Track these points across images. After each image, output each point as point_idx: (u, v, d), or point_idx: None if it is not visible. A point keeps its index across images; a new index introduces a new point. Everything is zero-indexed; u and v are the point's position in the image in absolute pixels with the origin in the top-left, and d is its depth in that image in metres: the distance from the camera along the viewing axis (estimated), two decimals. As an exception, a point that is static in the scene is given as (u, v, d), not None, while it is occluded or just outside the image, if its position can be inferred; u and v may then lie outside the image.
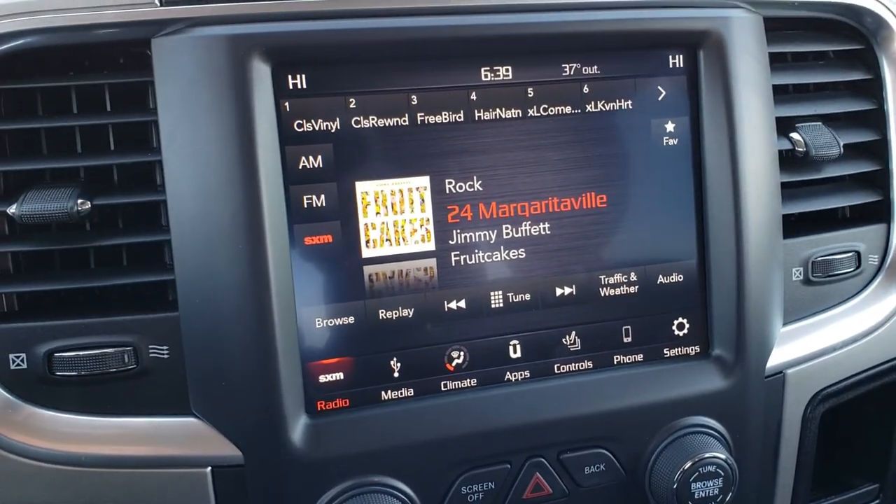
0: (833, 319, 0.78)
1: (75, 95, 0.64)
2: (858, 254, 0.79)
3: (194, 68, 0.60)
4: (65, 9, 0.60)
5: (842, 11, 0.78)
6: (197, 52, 0.60)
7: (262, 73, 0.60)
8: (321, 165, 0.63)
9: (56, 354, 0.61)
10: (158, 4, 0.61)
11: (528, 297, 0.68)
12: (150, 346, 0.62)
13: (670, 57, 0.69)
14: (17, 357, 0.61)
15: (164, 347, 0.63)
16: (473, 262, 0.66)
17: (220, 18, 0.61)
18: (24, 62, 0.63)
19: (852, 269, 0.79)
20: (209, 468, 0.63)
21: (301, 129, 0.62)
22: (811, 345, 0.77)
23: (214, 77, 0.59)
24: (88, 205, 0.61)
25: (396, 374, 0.66)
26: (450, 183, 0.65)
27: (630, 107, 0.69)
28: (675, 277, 0.71)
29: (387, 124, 0.64)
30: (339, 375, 0.64)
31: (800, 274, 0.77)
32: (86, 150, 0.64)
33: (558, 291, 0.68)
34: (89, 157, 0.64)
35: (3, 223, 0.64)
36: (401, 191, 0.64)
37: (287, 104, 0.61)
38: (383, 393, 0.65)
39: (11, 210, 0.60)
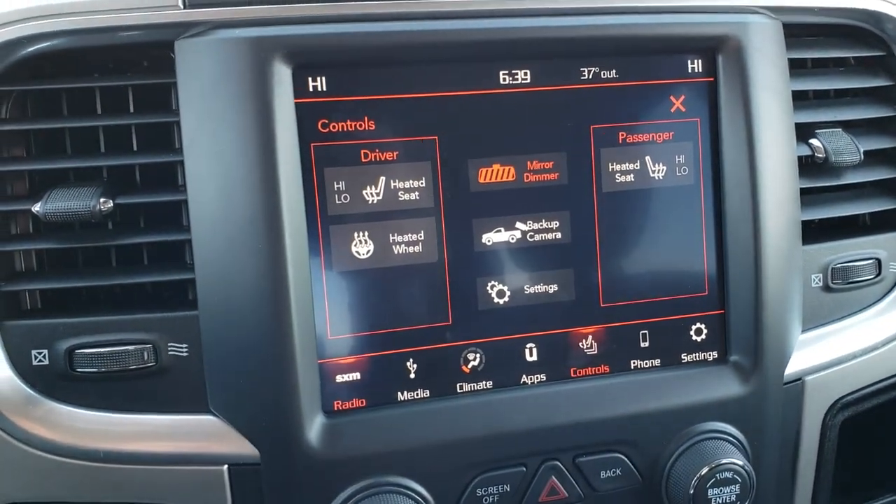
0: (853, 327, 0.77)
1: (100, 96, 0.65)
2: (879, 261, 0.78)
3: (216, 70, 0.61)
4: (90, 11, 0.61)
5: (862, 18, 0.77)
6: (219, 54, 0.61)
7: (282, 75, 0.61)
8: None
9: (77, 351, 0.62)
10: (182, 7, 0.61)
11: (544, 300, 0.68)
12: (170, 344, 0.63)
13: (689, 62, 0.69)
14: (40, 353, 0.62)
15: (184, 346, 0.63)
16: (489, 263, 0.66)
17: (242, 21, 0.62)
18: (50, 64, 0.64)
19: (872, 277, 0.78)
20: (226, 466, 0.63)
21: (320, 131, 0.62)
22: (831, 352, 0.76)
23: (236, 79, 0.60)
24: (111, 204, 0.62)
25: (412, 376, 0.66)
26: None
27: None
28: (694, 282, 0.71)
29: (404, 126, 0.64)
30: (356, 376, 0.65)
31: (819, 280, 0.76)
32: (109, 150, 0.65)
33: (575, 295, 0.68)
34: (112, 156, 0.65)
35: (27, 221, 0.65)
36: (416, 190, 0.65)
37: (307, 106, 0.62)
38: (399, 394, 0.66)
39: (36, 208, 0.61)
